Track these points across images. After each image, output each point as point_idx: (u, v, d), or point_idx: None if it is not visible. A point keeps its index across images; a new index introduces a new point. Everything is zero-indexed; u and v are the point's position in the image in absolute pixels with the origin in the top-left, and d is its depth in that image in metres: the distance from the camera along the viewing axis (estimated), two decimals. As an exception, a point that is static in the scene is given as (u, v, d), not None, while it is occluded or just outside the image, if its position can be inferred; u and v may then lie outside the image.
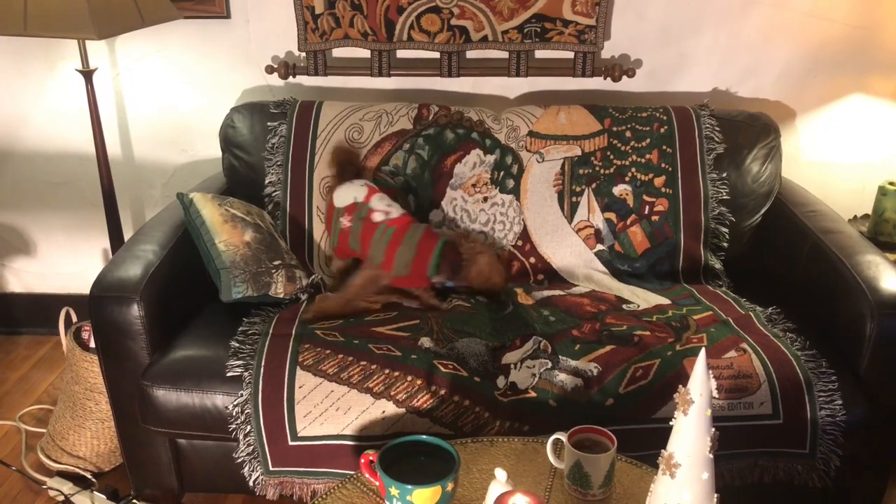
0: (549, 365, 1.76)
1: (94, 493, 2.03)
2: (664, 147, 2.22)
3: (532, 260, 2.21)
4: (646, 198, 2.21)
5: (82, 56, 2.19)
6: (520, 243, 2.22)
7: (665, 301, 2.03)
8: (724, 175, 2.22)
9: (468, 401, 1.69)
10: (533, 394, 1.71)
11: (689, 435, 1.13)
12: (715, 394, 1.68)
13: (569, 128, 2.25)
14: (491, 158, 2.24)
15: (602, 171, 2.22)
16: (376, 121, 2.25)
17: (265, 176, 2.25)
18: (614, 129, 2.24)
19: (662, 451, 1.17)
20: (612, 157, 2.23)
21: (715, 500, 1.17)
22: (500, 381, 1.74)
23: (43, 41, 2.40)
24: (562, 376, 1.73)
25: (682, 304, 2.01)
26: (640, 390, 1.70)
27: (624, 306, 2.01)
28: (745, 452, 1.71)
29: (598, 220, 2.22)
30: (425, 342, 1.81)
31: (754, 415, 1.69)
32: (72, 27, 1.93)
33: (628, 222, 2.21)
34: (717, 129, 2.24)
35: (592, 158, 2.22)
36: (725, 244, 2.23)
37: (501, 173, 2.23)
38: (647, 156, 2.22)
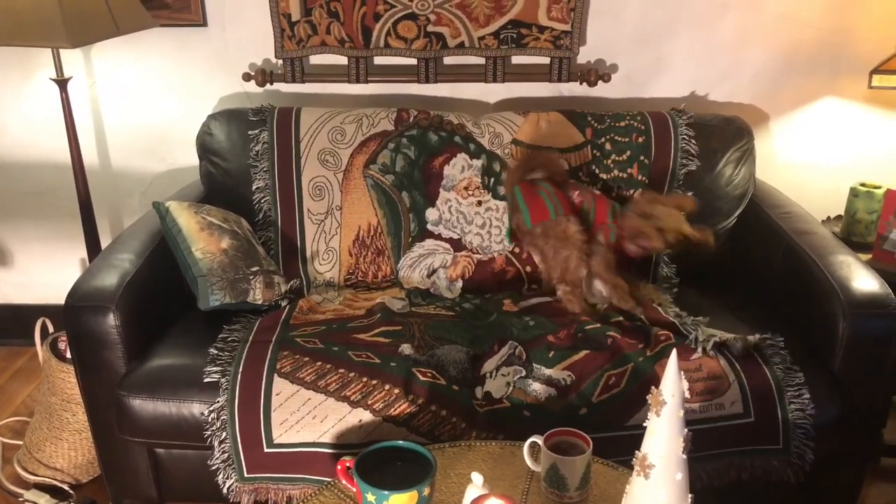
0: (523, 373, 1.76)
1: (72, 504, 2.01)
2: (642, 158, 2.24)
3: (528, 269, 2.21)
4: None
5: (57, 65, 2.18)
6: (517, 250, 2.22)
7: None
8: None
9: (445, 411, 1.69)
10: (507, 403, 1.71)
11: (663, 436, 1.14)
12: (687, 395, 1.69)
13: (551, 139, 2.25)
14: (478, 163, 2.25)
15: (591, 187, 2.23)
16: (357, 123, 2.26)
17: (247, 182, 2.25)
18: (596, 140, 2.25)
19: (637, 452, 1.18)
20: (597, 171, 2.24)
21: (689, 500, 1.18)
22: (478, 392, 1.75)
23: (17, 50, 2.38)
24: (535, 385, 1.73)
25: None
26: (614, 398, 1.71)
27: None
28: (720, 453, 1.72)
29: None
30: (406, 349, 1.81)
31: (726, 415, 1.71)
32: (45, 36, 1.92)
33: None
34: (694, 140, 2.25)
35: (580, 173, 2.23)
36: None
37: (492, 179, 2.24)
38: (629, 170, 2.23)
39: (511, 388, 1.73)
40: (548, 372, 1.76)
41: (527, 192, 2.09)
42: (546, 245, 2.06)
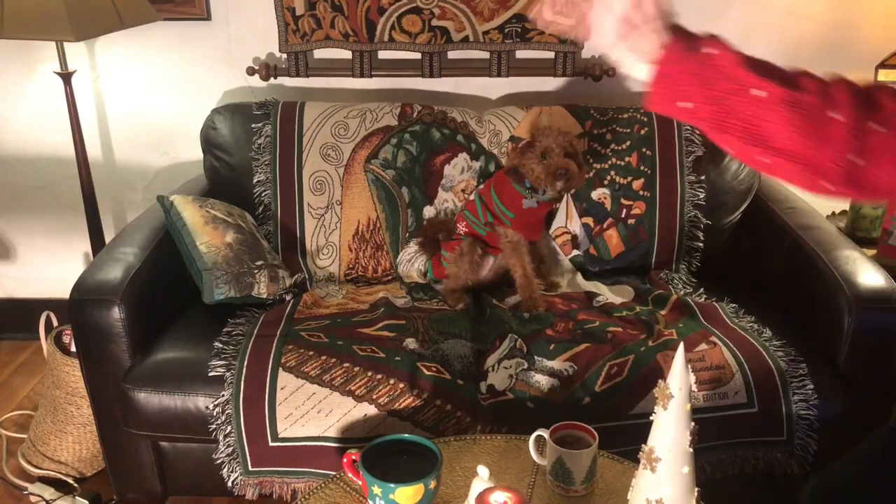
0: (525, 365, 1.76)
1: (77, 498, 2.01)
2: (644, 149, 2.23)
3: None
4: (623, 201, 2.22)
5: (60, 58, 2.17)
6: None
7: (628, 298, 2.06)
8: (703, 178, 2.24)
9: (450, 405, 1.69)
10: (510, 395, 1.72)
11: (669, 429, 1.14)
12: (694, 388, 1.69)
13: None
14: (477, 165, 2.25)
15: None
16: (361, 118, 2.26)
17: (250, 176, 2.25)
18: (595, 131, 2.25)
19: (643, 445, 1.17)
20: (591, 160, 2.23)
21: (695, 493, 1.17)
22: (483, 386, 1.75)
23: (21, 43, 2.38)
24: (538, 377, 1.73)
25: (643, 291, 2.06)
26: (617, 387, 1.71)
27: (594, 302, 2.04)
28: (723, 444, 1.72)
29: (576, 225, 2.23)
30: (410, 343, 1.81)
31: (730, 405, 1.70)
32: (49, 29, 1.92)
33: (605, 226, 2.22)
34: (697, 130, 2.26)
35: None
36: (700, 244, 2.24)
37: (485, 181, 2.24)
38: (627, 158, 2.23)
39: (514, 381, 1.73)
40: (550, 364, 1.76)
41: (434, 262, 2.20)
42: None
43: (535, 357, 1.78)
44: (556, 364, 1.76)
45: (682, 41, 0.82)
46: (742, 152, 0.83)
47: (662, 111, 0.85)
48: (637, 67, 0.83)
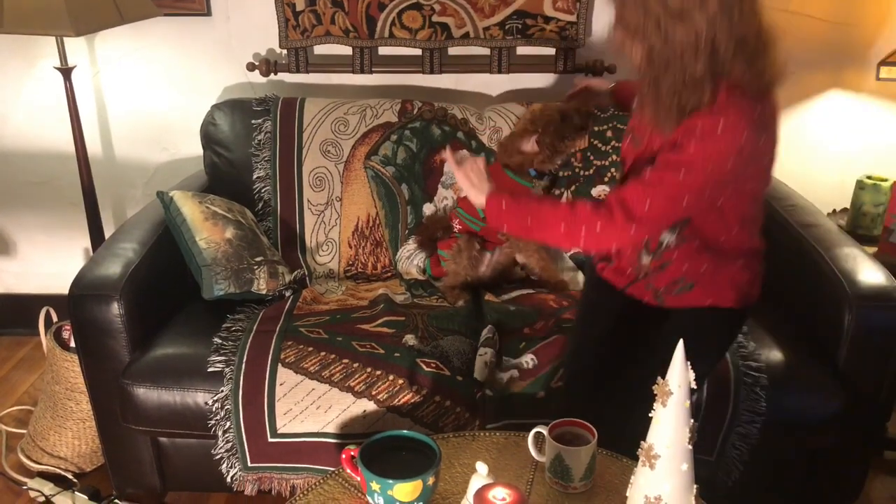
0: (494, 360, 1.78)
1: (76, 493, 2.01)
2: None
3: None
4: None
5: (60, 54, 2.17)
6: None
7: None
8: None
9: (449, 401, 1.69)
10: (486, 388, 1.73)
11: (669, 426, 1.14)
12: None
13: None
14: None
15: (582, 172, 2.22)
16: (361, 114, 2.26)
17: (250, 172, 2.25)
18: (596, 128, 2.25)
19: (643, 442, 1.17)
20: (591, 157, 2.23)
21: (694, 490, 1.17)
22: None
23: (20, 38, 2.37)
24: (501, 374, 1.75)
25: None
26: None
27: None
28: None
29: None
30: (410, 339, 1.81)
31: None
32: (49, 24, 1.91)
33: None
34: None
35: (572, 160, 2.23)
36: None
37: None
38: None
39: (487, 369, 1.74)
40: (514, 361, 1.78)
41: (433, 262, 2.21)
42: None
43: (504, 357, 1.79)
44: (519, 357, 1.77)
45: (496, 194, 1.52)
46: (541, 241, 1.90)
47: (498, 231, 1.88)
48: (479, 203, 1.54)
